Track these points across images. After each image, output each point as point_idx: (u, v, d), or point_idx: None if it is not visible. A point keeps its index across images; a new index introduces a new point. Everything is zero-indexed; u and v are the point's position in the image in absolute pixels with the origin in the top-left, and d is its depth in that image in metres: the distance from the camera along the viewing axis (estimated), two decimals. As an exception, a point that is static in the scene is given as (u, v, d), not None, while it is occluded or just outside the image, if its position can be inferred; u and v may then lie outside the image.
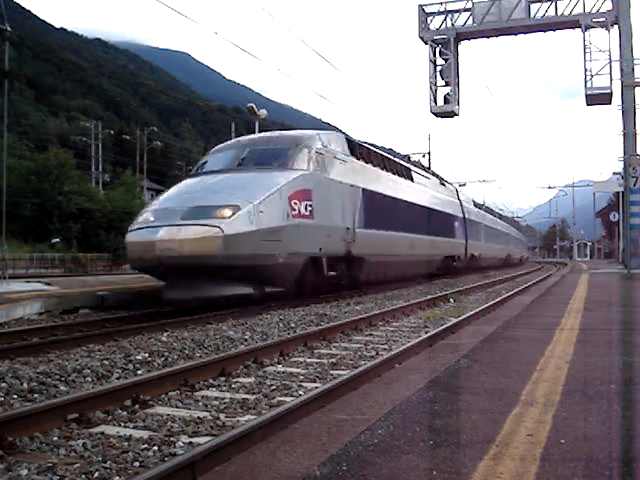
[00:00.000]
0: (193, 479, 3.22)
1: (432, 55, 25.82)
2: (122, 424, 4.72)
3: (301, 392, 5.62)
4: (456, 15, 25.67)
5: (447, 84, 25.66)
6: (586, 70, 23.37)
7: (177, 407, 5.22)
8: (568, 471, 2.72)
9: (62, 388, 5.74)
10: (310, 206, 13.96)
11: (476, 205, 41.87)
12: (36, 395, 5.47)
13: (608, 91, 23.30)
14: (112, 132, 66.76)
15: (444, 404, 3.92)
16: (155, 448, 4.06)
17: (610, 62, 23.15)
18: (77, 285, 14.66)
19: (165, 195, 14.27)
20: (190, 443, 4.16)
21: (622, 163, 25.82)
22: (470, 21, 25.31)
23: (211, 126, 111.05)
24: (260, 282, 12.55)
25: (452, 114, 25.91)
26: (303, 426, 3.62)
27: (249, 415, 4.90)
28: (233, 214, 11.76)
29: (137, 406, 5.15)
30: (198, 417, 4.81)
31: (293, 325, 10.39)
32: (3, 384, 5.65)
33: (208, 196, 12.67)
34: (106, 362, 6.81)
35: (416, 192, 23.47)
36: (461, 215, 31.33)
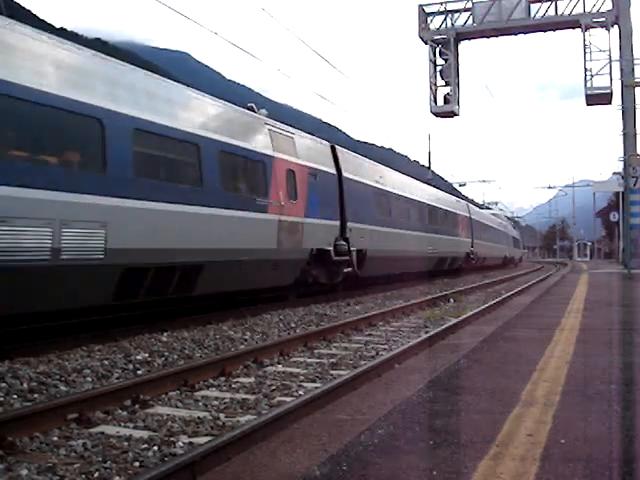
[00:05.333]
0: (193, 479, 3.22)
1: (432, 55, 25.78)
2: (122, 424, 4.71)
3: (301, 392, 5.62)
4: (456, 15, 25.63)
5: (447, 84, 25.61)
6: (586, 70, 23.34)
7: (177, 407, 5.22)
8: (568, 471, 2.72)
9: (62, 388, 5.73)
10: None
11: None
12: (36, 395, 5.46)
13: (608, 91, 23.26)
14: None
15: (444, 404, 3.92)
16: (155, 448, 4.06)
17: (610, 62, 23.11)
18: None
19: None
20: (190, 443, 4.16)
21: (622, 163, 25.81)
22: (470, 21, 25.28)
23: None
24: None
25: (452, 114, 25.88)
26: (303, 426, 3.62)
27: (249, 415, 4.89)
28: None
29: (137, 406, 5.15)
30: (198, 417, 4.80)
31: (293, 325, 10.39)
32: (3, 384, 5.66)
33: None
34: (106, 362, 6.82)
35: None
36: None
